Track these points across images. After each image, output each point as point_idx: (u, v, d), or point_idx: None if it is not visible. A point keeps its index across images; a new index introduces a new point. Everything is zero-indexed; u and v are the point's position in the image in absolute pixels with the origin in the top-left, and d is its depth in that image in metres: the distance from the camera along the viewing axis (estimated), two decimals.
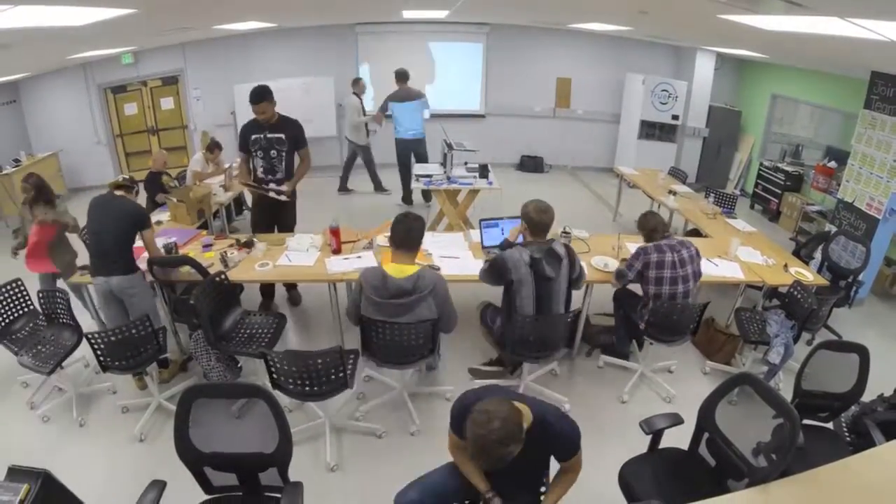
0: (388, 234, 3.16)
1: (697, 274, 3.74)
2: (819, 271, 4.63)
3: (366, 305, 3.10)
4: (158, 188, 5.61)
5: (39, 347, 3.53)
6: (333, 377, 2.99)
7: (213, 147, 6.57)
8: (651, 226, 3.80)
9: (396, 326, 3.05)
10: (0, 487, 1.66)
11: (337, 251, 4.25)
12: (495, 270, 3.32)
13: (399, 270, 3.02)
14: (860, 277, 4.62)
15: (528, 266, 3.22)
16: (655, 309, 3.61)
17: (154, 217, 5.06)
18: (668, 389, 3.94)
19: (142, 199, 5.68)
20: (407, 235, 3.07)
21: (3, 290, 3.63)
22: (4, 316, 3.61)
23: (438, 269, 3.90)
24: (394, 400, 3.76)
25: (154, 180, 5.68)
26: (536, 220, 3.28)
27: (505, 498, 2.21)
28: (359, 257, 4.17)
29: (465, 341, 4.34)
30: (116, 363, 3.26)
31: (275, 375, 2.99)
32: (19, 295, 3.72)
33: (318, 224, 4.72)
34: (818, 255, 4.94)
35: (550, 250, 3.27)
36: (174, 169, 7.00)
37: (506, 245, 3.49)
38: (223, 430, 2.27)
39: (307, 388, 3.00)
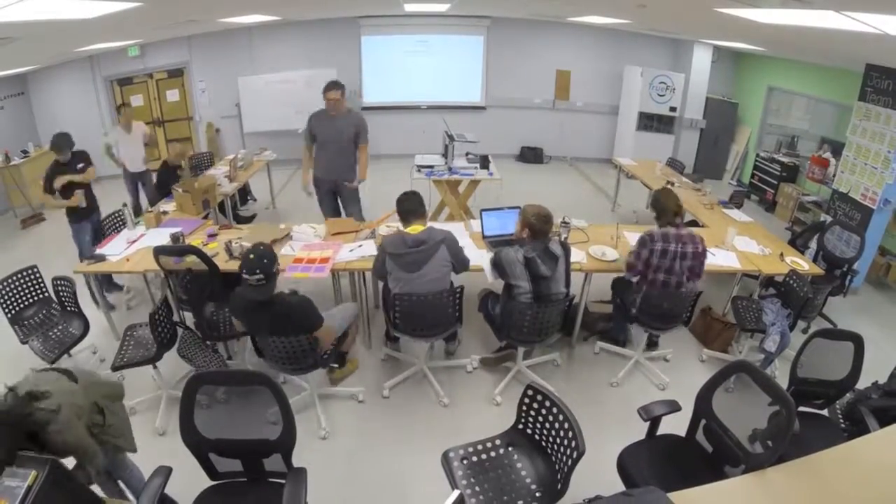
0: (397, 213, 3.60)
1: (696, 272, 3.65)
2: (814, 261, 4.67)
3: (391, 270, 3.43)
4: (173, 180, 5.44)
5: (49, 334, 3.57)
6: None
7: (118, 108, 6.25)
8: (660, 206, 3.68)
9: (425, 298, 3.37)
10: (8, 474, 1.68)
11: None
12: (498, 268, 3.49)
13: (412, 230, 3.48)
14: (855, 266, 4.66)
15: (522, 266, 3.33)
16: (647, 295, 3.64)
17: (160, 207, 5.09)
18: (662, 377, 3.98)
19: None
20: (414, 208, 3.54)
21: (18, 276, 3.66)
22: (18, 301, 3.65)
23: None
24: (415, 375, 3.98)
25: (169, 172, 5.56)
26: (538, 227, 3.33)
27: None
28: (360, 245, 4.21)
29: (472, 328, 4.39)
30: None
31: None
32: (34, 281, 3.75)
33: (321, 215, 4.74)
34: (813, 244, 4.97)
35: (546, 249, 3.35)
36: None
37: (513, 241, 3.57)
38: (228, 417, 2.30)
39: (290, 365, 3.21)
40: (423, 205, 3.59)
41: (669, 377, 3.98)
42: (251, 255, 2.86)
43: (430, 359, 4.09)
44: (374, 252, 3.99)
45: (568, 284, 3.53)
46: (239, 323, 3.20)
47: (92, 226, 4.81)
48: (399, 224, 3.68)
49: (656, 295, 3.64)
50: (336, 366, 3.83)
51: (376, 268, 3.59)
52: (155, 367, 3.50)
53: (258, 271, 2.81)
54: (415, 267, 3.37)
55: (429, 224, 3.58)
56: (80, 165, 4.67)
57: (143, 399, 3.64)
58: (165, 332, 3.41)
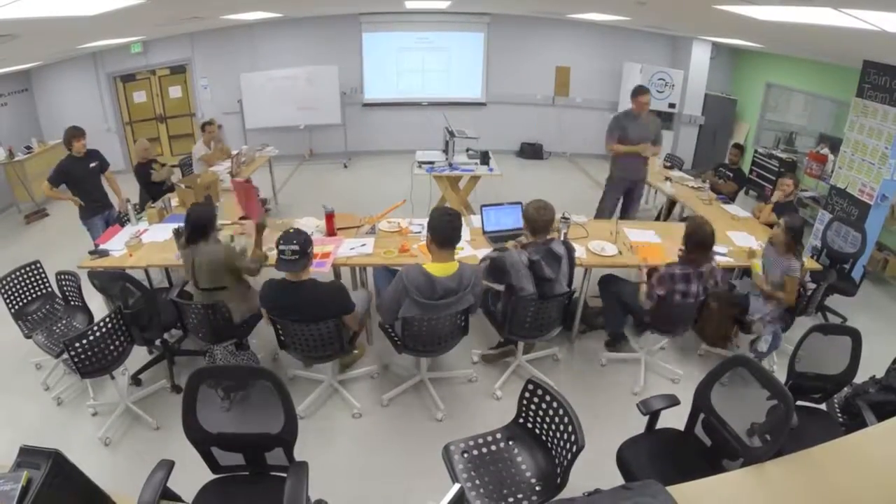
0: (431, 237, 3.07)
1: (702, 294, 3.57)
2: (818, 257, 4.71)
3: (409, 306, 3.10)
4: (147, 176, 5.64)
5: (54, 328, 3.58)
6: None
7: (203, 126, 6.67)
8: (693, 242, 3.36)
9: (436, 320, 3.14)
10: (1, 478, 1.67)
11: (331, 234, 4.34)
12: (495, 270, 3.39)
13: (442, 270, 3.07)
14: (866, 265, 4.68)
15: (526, 268, 3.28)
16: (661, 305, 3.55)
17: (162, 203, 5.10)
18: (673, 370, 3.98)
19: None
20: (452, 234, 3.05)
21: (21, 272, 3.68)
22: (22, 296, 3.67)
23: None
24: (415, 386, 3.84)
25: (142, 171, 5.68)
26: (537, 218, 3.31)
27: None
28: (362, 245, 4.17)
29: (472, 324, 4.38)
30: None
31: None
32: (37, 277, 3.77)
33: (321, 212, 4.76)
34: (818, 241, 4.99)
35: (549, 251, 3.31)
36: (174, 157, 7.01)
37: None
38: (230, 410, 2.31)
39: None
40: (461, 229, 3.15)
41: (668, 371, 4.00)
42: (290, 230, 3.00)
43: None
44: (373, 251, 4.02)
45: (570, 283, 3.53)
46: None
47: (105, 221, 4.96)
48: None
49: (671, 306, 3.53)
50: (356, 350, 3.96)
51: (388, 308, 3.23)
52: (112, 377, 3.36)
53: (294, 242, 2.92)
54: (436, 312, 3.12)
55: (458, 258, 3.22)
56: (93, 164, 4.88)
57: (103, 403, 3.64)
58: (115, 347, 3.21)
